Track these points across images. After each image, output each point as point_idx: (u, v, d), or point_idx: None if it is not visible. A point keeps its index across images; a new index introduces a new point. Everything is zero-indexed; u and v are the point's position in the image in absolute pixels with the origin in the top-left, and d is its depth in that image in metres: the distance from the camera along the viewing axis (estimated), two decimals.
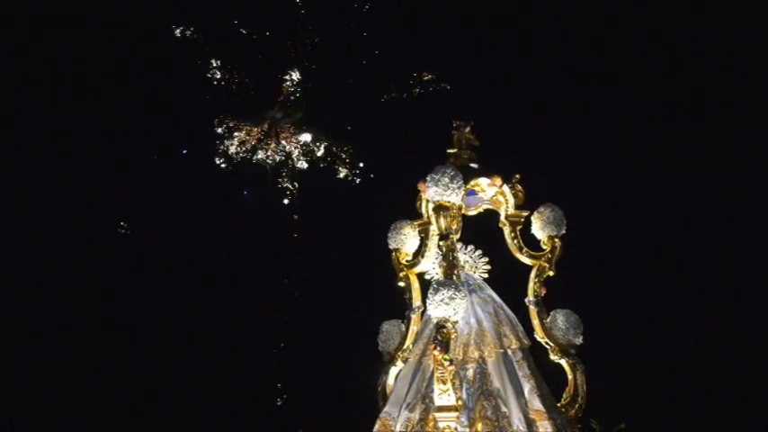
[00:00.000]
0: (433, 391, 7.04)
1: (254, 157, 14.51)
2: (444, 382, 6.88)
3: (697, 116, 13.15)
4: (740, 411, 11.61)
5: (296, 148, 14.45)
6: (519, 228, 8.10)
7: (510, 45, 13.76)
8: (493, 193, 8.10)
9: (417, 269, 8.09)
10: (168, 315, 13.72)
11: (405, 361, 7.90)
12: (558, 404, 7.63)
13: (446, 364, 6.82)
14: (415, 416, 7.32)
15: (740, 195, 12.71)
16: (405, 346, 7.96)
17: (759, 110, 12.90)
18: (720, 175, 12.82)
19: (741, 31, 12.84)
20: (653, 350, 12.02)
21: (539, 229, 8.06)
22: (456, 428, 6.94)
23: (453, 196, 7.52)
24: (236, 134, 14.44)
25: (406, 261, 8.11)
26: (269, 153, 14.36)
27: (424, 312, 7.89)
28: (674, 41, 13.32)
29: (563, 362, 7.82)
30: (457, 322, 7.15)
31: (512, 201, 8.08)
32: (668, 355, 12.05)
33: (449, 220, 7.55)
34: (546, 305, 7.95)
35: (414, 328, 7.99)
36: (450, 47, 14.23)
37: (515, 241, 8.07)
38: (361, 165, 14.57)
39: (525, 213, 8.10)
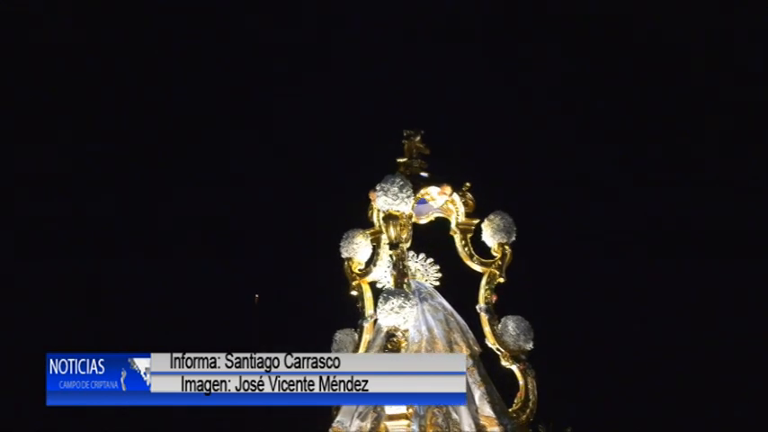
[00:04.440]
0: None
1: None
2: None
3: (654, 121, 13.32)
4: (691, 415, 11.78)
5: None
6: (469, 235, 8.18)
7: (464, 50, 13.79)
8: (443, 202, 8.18)
9: (369, 278, 8.11)
10: None
11: None
12: (510, 409, 7.72)
13: None
14: (367, 425, 7.36)
15: (690, 202, 12.90)
16: None
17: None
18: (675, 184, 13.01)
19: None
20: (603, 355, 12.17)
21: (489, 237, 8.14)
22: None
23: (403, 205, 7.59)
24: None
25: (359, 270, 8.13)
26: None
27: (376, 321, 7.92)
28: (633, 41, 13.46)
29: (514, 368, 7.90)
30: (407, 331, 7.21)
31: (462, 209, 8.15)
32: (618, 360, 12.20)
33: (399, 229, 7.62)
34: (496, 312, 8.04)
35: (366, 336, 8.01)
36: (403, 55, 14.19)
37: (466, 249, 8.15)
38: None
39: (475, 221, 8.18)
